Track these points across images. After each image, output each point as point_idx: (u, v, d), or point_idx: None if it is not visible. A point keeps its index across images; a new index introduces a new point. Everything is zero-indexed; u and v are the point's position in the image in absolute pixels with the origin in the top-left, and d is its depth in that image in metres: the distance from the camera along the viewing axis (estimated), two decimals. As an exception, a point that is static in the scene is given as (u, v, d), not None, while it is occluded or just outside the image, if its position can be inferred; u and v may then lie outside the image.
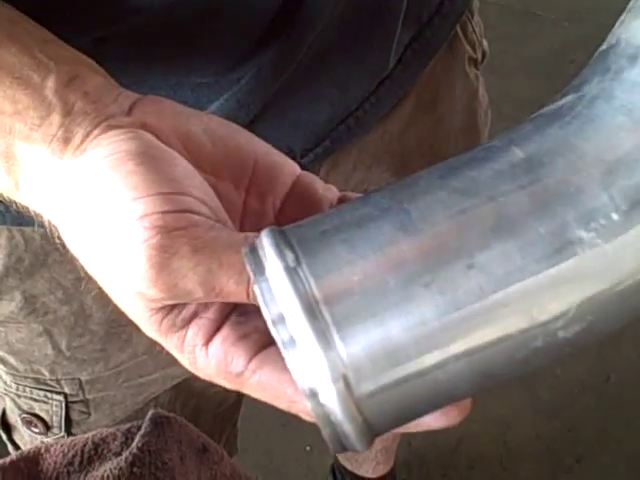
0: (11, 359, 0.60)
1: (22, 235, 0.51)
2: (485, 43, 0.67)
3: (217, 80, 0.47)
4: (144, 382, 0.61)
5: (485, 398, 0.82)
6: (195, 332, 0.30)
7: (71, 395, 0.61)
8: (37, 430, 0.63)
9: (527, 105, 1.75)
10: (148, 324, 0.31)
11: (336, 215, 0.28)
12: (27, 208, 0.33)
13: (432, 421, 0.29)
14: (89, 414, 0.63)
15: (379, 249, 0.26)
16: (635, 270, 0.26)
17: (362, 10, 0.50)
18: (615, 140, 0.27)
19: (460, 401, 0.29)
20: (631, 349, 1.44)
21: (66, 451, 0.43)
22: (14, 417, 0.65)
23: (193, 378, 0.36)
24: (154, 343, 0.32)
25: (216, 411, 0.71)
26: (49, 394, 0.61)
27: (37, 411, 0.62)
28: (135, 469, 0.41)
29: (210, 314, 0.30)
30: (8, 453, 0.43)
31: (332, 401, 0.25)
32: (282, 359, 0.27)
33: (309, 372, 0.26)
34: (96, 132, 0.31)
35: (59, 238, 0.32)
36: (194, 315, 0.30)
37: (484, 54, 0.67)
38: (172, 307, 0.30)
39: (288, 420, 1.34)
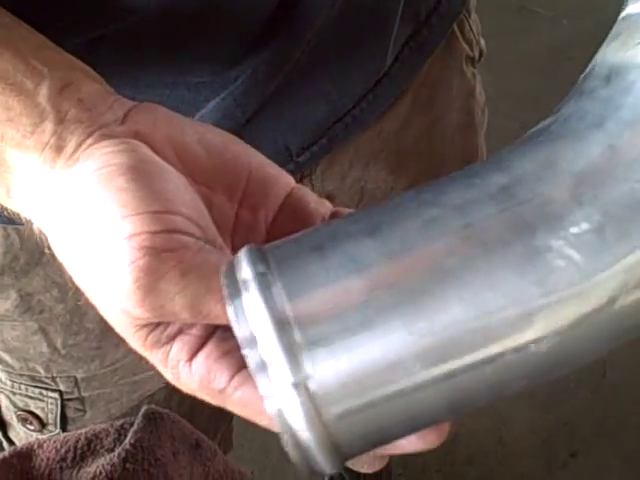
0: (6, 357, 0.60)
1: (17, 234, 0.51)
2: (482, 41, 0.67)
3: (214, 79, 0.47)
4: (139, 380, 0.61)
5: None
6: (180, 348, 0.30)
7: (66, 393, 0.61)
8: (32, 427, 0.63)
9: (524, 103, 1.76)
10: (133, 339, 0.31)
11: (315, 235, 0.28)
12: (19, 215, 0.33)
13: (407, 444, 0.29)
14: (85, 411, 0.63)
15: (354, 273, 0.26)
16: (612, 285, 0.25)
17: (359, 8, 0.50)
18: (585, 152, 0.27)
19: (438, 425, 0.28)
20: (627, 345, 1.44)
21: (59, 447, 0.43)
22: (9, 414, 0.65)
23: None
24: None
25: (212, 409, 0.71)
26: (44, 392, 0.61)
27: (32, 408, 0.62)
28: (128, 465, 0.41)
29: (195, 331, 0.30)
30: (3, 450, 0.43)
31: (299, 424, 0.25)
32: None
33: (277, 394, 0.25)
34: (89, 141, 0.30)
35: (49, 248, 0.32)
36: (179, 331, 0.30)
37: (481, 52, 0.67)
38: (157, 324, 0.30)
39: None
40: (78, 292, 0.32)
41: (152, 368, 0.32)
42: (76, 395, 0.62)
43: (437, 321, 0.25)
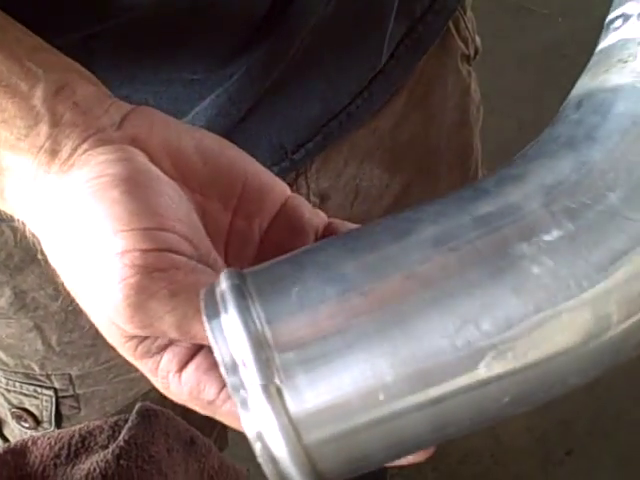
0: (1, 354, 0.60)
1: (12, 231, 0.51)
2: (478, 39, 0.67)
3: (209, 76, 0.47)
4: (134, 377, 0.61)
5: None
6: (170, 359, 0.31)
7: (61, 390, 0.61)
8: (27, 425, 0.63)
9: (520, 100, 1.76)
10: (123, 349, 0.31)
11: (296, 260, 0.28)
12: (12, 217, 0.33)
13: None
14: (79, 409, 0.63)
15: (334, 298, 0.26)
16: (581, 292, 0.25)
17: (354, 6, 0.50)
18: (557, 168, 0.27)
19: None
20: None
21: (53, 444, 0.43)
22: (4, 411, 0.65)
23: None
24: None
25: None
26: (39, 389, 0.61)
27: (27, 406, 0.62)
28: (122, 462, 0.41)
29: (185, 342, 0.30)
30: (-2, 447, 0.43)
31: (279, 448, 0.25)
32: None
33: (255, 417, 0.25)
34: (85, 146, 0.30)
35: (42, 253, 0.32)
36: (169, 343, 0.30)
37: (476, 50, 0.67)
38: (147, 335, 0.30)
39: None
40: None
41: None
42: (71, 393, 0.62)
43: (420, 345, 0.25)
